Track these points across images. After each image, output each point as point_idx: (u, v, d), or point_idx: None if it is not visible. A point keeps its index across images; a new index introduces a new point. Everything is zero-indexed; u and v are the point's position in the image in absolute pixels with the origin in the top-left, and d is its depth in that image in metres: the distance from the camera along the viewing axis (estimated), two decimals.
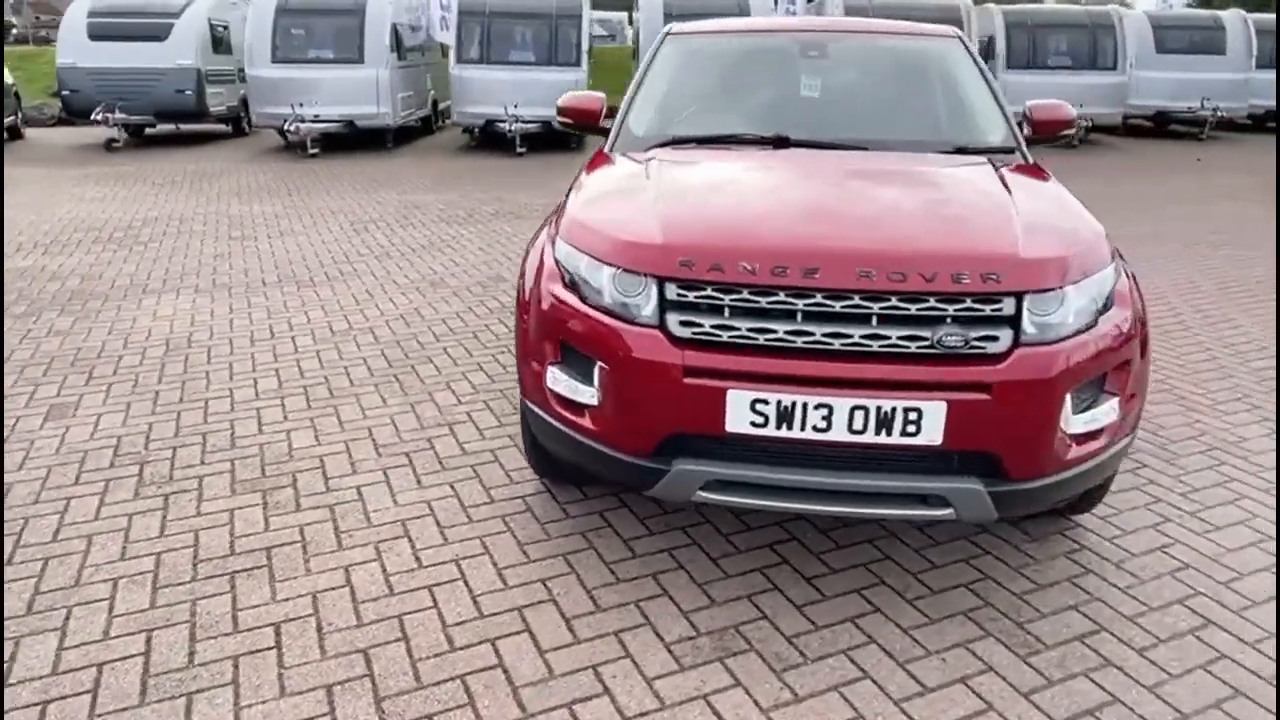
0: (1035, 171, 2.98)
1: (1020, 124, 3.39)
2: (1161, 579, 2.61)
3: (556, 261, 2.53)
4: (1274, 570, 2.65)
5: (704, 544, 2.75)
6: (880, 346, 2.13)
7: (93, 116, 12.87)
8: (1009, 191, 2.60)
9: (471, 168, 11.81)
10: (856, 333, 2.13)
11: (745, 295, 2.18)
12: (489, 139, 13.74)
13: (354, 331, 4.82)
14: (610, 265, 2.33)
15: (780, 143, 3.08)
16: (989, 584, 2.58)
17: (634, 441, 2.31)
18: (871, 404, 2.11)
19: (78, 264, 6.33)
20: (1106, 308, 2.31)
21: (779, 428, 2.16)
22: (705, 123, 3.27)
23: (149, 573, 2.58)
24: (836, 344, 2.14)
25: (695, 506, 2.86)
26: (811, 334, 2.15)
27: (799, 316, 2.16)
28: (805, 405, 2.13)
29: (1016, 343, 2.14)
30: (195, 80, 13.38)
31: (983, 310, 2.14)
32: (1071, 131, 3.44)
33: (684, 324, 2.21)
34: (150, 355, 4.41)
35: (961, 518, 2.25)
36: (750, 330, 2.17)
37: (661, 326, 2.23)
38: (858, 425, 2.13)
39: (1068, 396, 2.21)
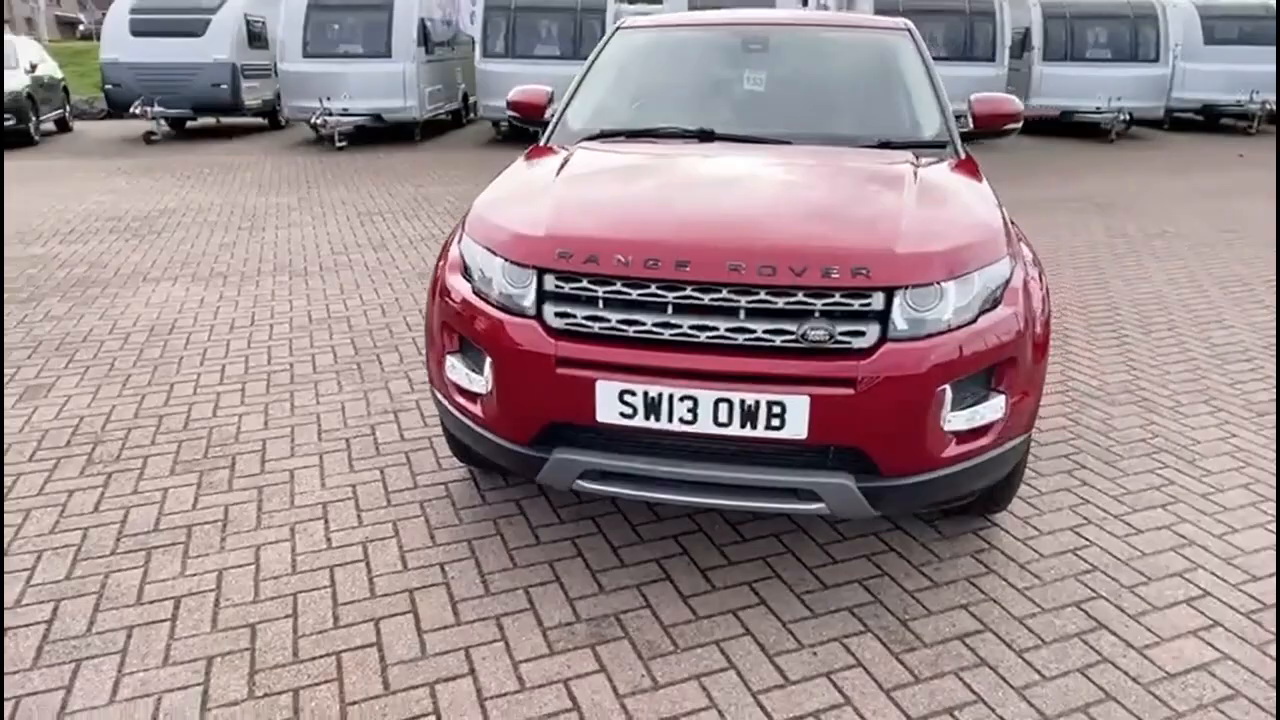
0: (960, 166, 2.94)
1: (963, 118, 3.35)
2: (1064, 581, 2.57)
3: (461, 254, 2.59)
4: (1187, 575, 2.59)
5: (609, 533, 2.79)
6: (745, 340, 2.14)
7: (131, 110, 13.33)
8: (914, 186, 2.57)
9: (493, 160, 11.92)
10: (723, 325, 2.14)
11: (618, 287, 2.20)
12: (516, 132, 13.85)
13: (330, 320, 4.95)
14: (500, 258, 2.38)
15: (706, 136, 3.09)
16: (884, 581, 2.56)
17: (517, 430, 2.35)
18: (735, 397, 2.12)
19: (89, 252, 6.59)
20: (994, 305, 2.28)
21: (647, 419, 2.18)
22: (637, 116, 3.30)
23: (74, 546, 2.71)
24: (702, 336, 2.15)
25: (612, 498, 2.89)
26: (679, 326, 2.16)
27: (669, 309, 2.18)
28: (671, 397, 2.15)
29: (884, 338, 2.13)
30: (230, 74, 13.77)
31: (850, 305, 2.13)
32: (1019, 125, 3.38)
33: (559, 315, 2.25)
34: (132, 341, 4.59)
35: (835, 512, 2.25)
36: (620, 322, 2.20)
37: (539, 317, 2.27)
38: (722, 418, 2.14)
39: (946, 393, 2.19)
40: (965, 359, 2.19)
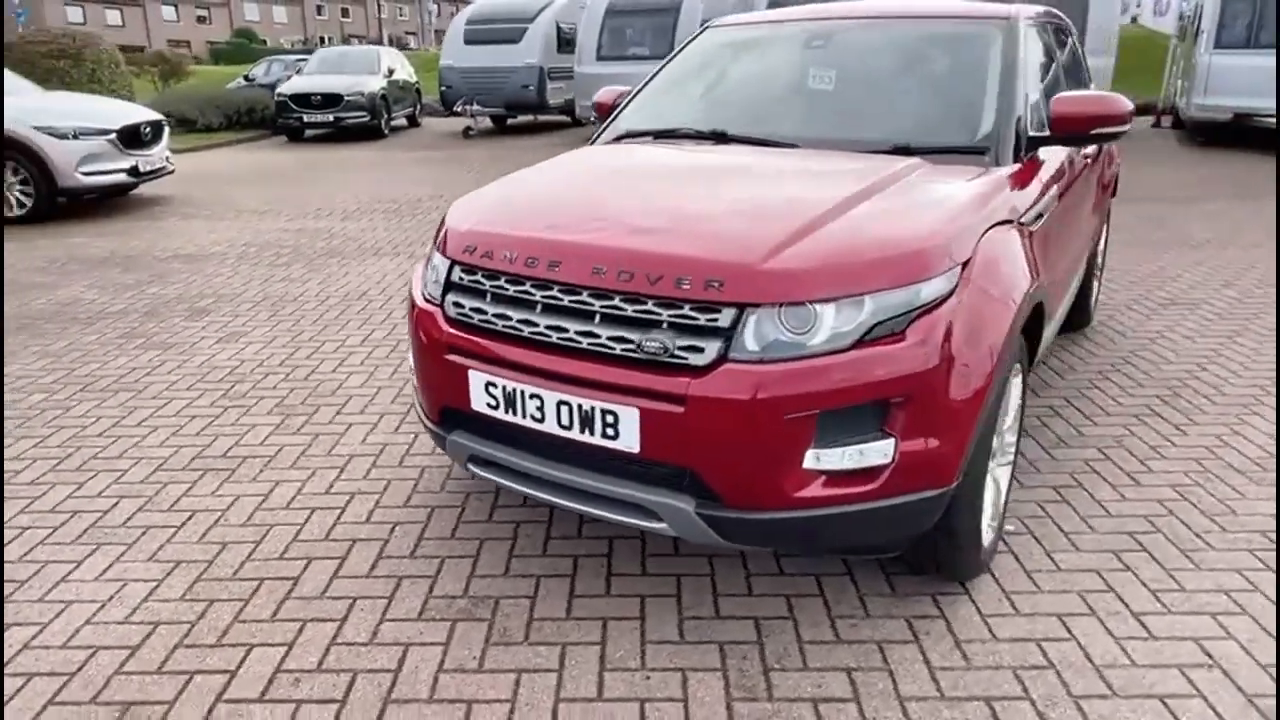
0: (987, 176, 2.53)
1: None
2: (997, 672, 2.16)
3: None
4: None
5: (557, 524, 2.85)
6: (589, 344, 2.10)
7: (455, 108, 15.40)
8: (865, 196, 2.30)
9: None
10: (573, 328, 2.13)
11: (501, 283, 2.28)
12: None
13: None
14: (439, 251, 2.56)
15: (720, 138, 2.99)
16: (785, 624, 2.35)
17: (429, 408, 2.53)
18: (574, 400, 2.10)
19: (355, 229, 7.85)
20: (891, 334, 1.99)
21: (506, 412, 2.24)
22: (666, 116, 3.26)
23: (163, 459, 3.38)
24: (554, 337, 2.16)
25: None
26: (537, 325, 2.19)
27: (538, 308, 2.21)
28: (523, 393, 2.19)
29: (725, 357, 1.97)
30: (538, 77, 15.34)
31: (697, 319, 2.00)
32: (1122, 129, 2.79)
33: (454, 304, 2.38)
34: (326, 304, 5.46)
35: (681, 536, 2.14)
36: (494, 315, 2.27)
37: (442, 306, 2.42)
38: (564, 420, 2.14)
39: (808, 426, 1.97)
40: (829, 392, 1.95)
